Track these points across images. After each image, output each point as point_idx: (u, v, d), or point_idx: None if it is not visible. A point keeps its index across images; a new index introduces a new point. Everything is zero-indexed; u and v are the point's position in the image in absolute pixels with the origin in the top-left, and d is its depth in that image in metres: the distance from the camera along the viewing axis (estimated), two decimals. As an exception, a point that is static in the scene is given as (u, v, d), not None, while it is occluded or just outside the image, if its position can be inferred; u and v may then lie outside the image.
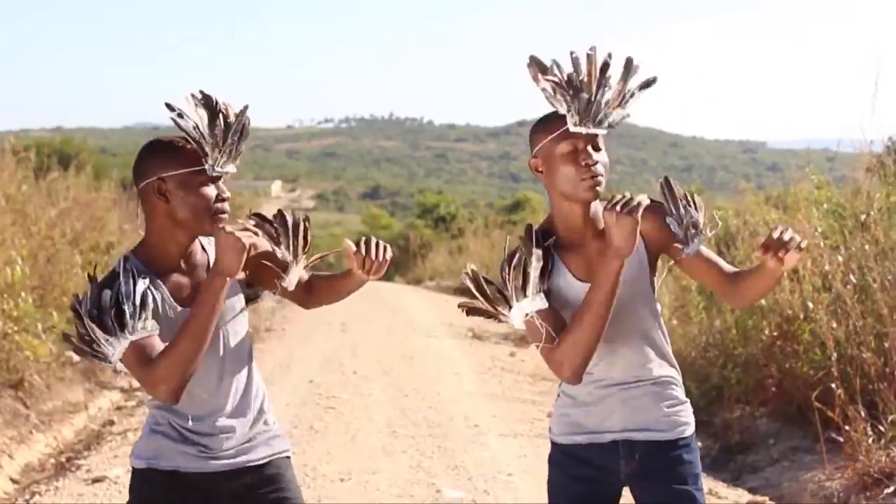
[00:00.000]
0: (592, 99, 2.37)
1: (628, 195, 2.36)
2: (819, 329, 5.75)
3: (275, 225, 2.49)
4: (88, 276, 2.41)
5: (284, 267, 2.49)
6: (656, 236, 2.48)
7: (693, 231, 2.43)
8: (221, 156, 2.41)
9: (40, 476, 5.81)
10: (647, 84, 2.42)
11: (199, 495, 2.51)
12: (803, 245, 2.34)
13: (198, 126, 2.38)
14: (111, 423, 6.98)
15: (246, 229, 2.38)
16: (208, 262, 2.50)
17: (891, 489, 4.71)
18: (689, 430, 2.55)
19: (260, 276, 2.54)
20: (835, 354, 5.41)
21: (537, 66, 2.40)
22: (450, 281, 21.36)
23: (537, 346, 2.47)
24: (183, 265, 2.48)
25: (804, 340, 6.10)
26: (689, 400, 2.59)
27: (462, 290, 2.57)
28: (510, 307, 2.48)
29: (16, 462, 5.89)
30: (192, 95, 2.38)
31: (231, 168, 2.44)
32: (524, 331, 2.51)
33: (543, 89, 2.39)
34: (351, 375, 8.57)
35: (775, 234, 2.34)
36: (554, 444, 2.62)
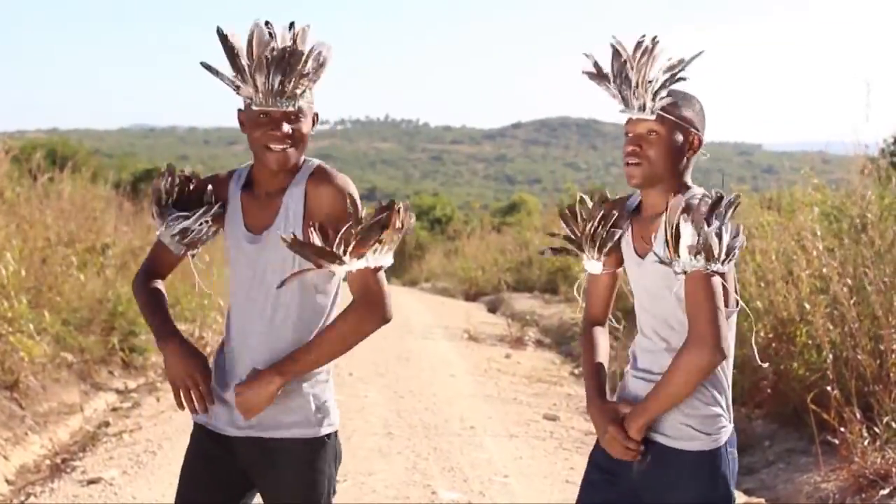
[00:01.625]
0: (635, 85, 2.43)
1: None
2: (815, 331, 5.75)
3: (378, 213, 2.42)
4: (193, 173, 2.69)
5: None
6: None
7: (703, 249, 2.35)
8: (256, 92, 2.42)
9: (35, 477, 5.79)
10: (684, 65, 2.46)
11: (224, 454, 2.58)
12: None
13: (228, 59, 2.42)
14: (106, 424, 6.96)
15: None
16: (279, 207, 2.51)
17: (886, 491, 4.72)
18: (704, 444, 2.46)
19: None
20: (830, 356, 5.42)
21: (591, 60, 2.48)
22: (445, 283, 21.37)
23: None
24: (264, 191, 2.55)
25: (800, 342, 6.11)
26: (720, 414, 2.50)
27: (565, 216, 2.69)
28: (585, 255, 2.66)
29: (11, 463, 5.87)
30: (255, 25, 2.40)
31: (282, 105, 2.42)
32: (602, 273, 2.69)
33: (596, 80, 2.49)
34: (346, 377, 8.56)
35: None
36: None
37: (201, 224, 2.60)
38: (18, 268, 7.30)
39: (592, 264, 2.65)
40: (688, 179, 2.52)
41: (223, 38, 2.41)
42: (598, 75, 2.46)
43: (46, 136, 35.77)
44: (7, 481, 5.65)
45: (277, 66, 2.38)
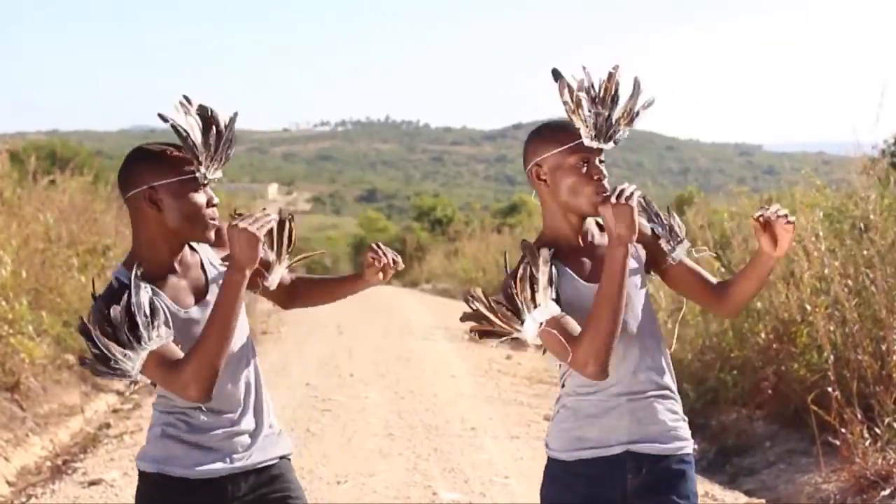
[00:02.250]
0: (608, 115, 2.42)
1: (620, 187, 2.41)
2: (816, 332, 5.75)
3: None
4: (92, 295, 2.39)
5: (267, 266, 2.58)
6: (646, 244, 2.55)
7: (677, 236, 2.55)
8: (213, 163, 2.42)
9: (36, 479, 5.80)
10: (648, 104, 2.48)
11: (210, 500, 2.50)
12: (792, 219, 2.44)
13: (189, 135, 2.38)
14: (107, 425, 6.97)
15: (256, 220, 2.38)
16: (201, 261, 2.52)
17: (887, 492, 4.72)
18: (690, 446, 2.56)
19: None
20: (831, 357, 5.42)
21: (564, 81, 2.43)
22: (446, 283, 21.38)
23: (560, 359, 2.40)
24: (177, 268, 2.48)
25: (801, 343, 6.11)
26: (686, 420, 2.59)
27: (469, 316, 2.47)
28: (522, 321, 2.41)
29: (12, 465, 5.87)
30: (181, 103, 2.39)
31: (219, 174, 2.45)
32: (541, 345, 2.44)
33: (566, 102, 2.42)
34: (347, 378, 8.57)
35: (773, 208, 2.44)
36: (554, 461, 2.59)
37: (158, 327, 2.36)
38: (17, 269, 7.30)
39: (541, 313, 2.39)
40: None
41: (202, 111, 2.41)
42: (570, 104, 2.42)
43: (47, 137, 35.79)
44: (8, 483, 5.65)
45: (228, 141, 2.44)
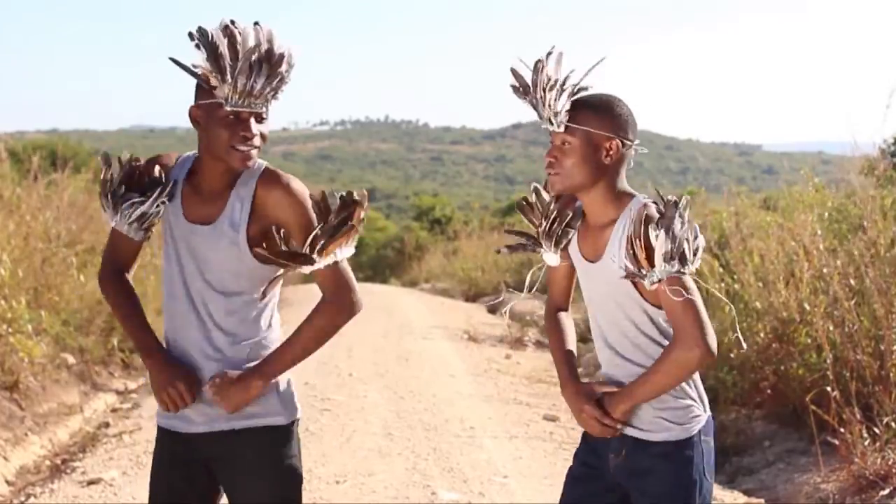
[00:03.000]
0: (540, 102, 2.50)
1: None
2: (815, 332, 5.75)
3: (326, 208, 2.46)
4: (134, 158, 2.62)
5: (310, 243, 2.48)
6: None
7: (673, 259, 2.40)
8: (234, 92, 2.41)
9: (35, 478, 5.79)
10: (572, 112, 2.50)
11: (188, 454, 2.59)
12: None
13: (219, 55, 2.40)
14: (106, 425, 6.97)
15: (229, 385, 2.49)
16: (228, 199, 2.53)
17: (886, 491, 4.72)
18: (677, 434, 2.52)
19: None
20: (830, 357, 5.42)
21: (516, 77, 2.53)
22: (445, 283, 21.36)
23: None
24: (209, 187, 2.55)
25: (800, 343, 6.11)
26: (691, 405, 2.54)
27: (522, 206, 2.74)
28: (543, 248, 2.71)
29: (11, 464, 5.87)
30: (228, 24, 2.41)
31: (255, 107, 2.44)
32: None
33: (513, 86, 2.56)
34: (346, 377, 8.56)
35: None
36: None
37: (158, 206, 2.59)
38: (15, 268, 7.29)
39: (550, 256, 2.73)
40: (623, 184, 2.55)
41: (204, 37, 2.40)
42: (520, 90, 2.53)
43: (46, 136, 35.78)
44: (7, 482, 5.65)
45: (260, 69, 2.40)
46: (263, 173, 2.54)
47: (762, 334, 6.53)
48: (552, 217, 2.65)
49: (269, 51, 2.41)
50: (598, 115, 2.50)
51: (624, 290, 2.50)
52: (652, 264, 2.39)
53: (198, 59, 2.43)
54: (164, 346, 2.62)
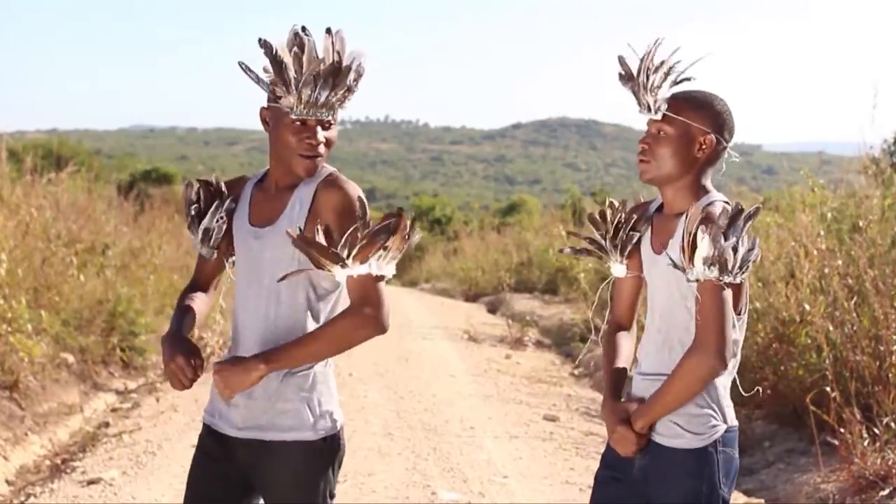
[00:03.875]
0: (642, 87, 2.52)
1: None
2: (815, 332, 5.75)
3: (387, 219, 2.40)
4: (215, 180, 2.69)
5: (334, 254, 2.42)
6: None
7: (719, 262, 2.38)
8: (299, 102, 2.45)
9: (35, 478, 5.79)
10: (671, 103, 2.53)
11: (226, 454, 2.59)
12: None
13: (274, 69, 2.43)
14: (106, 424, 6.97)
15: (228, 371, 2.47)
16: (290, 199, 2.54)
17: (886, 492, 4.72)
18: (698, 442, 2.50)
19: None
20: (830, 357, 5.42)
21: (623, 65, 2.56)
22: (445, 283, 21.38)
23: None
24: (275, 186, 2.58)
25: (800, 343, 6.11)
26: (709, 414, 2.53)
27: (594, 220, 2.72)
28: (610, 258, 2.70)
29: (11, 464, 5.87)
30: (298, 32, 2.43)
31: (321, 115, 2.47)
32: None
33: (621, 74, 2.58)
34: (346, 377, 8.56)
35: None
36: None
37: (218, 220, 2.62)
38: (14, 268, 7.29)
39: (617, 268, 2.70)
40: (707, 182, 2.56)
41: (269, 51, 2.43)
42: (624, 77, 2.56)
43: (46, 136, 35.76)
44: (7, 482, 5.65)
45: (325, 81, 2.43)
46: (327, 176, 2.55)
47: (762, 334, 6.53)
48: (618, 224, 2.65)
49: (337, 62, 2.43)
50: (698, 107, 2.52)
51: (679, 285, 2.51)
52: (692, 263, 2.40)
53: (267, 64, 2.46)
54: (229, 348, 2.65)
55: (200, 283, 2.73)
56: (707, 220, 2.39)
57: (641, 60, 2.52)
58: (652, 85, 2.50)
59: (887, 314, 5.39)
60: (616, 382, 2.66)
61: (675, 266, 2.44)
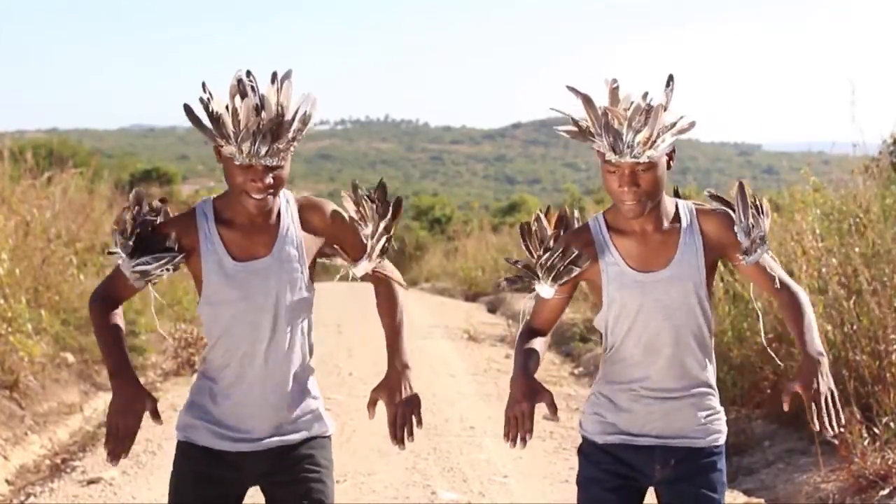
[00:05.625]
0: (623, 138, 2.43)
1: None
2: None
3: (373, 201, 2.61)
4: (161, 199, 2.67)
5: (362, 246, 2.66)
6: (720, 241, 2.58)
7: (758, 241, 2.55)
8: (239, 153, 2.43)
9: (35, 477, 5.80)
10: (681, 131, 2.48)
11: (229, 473, 2.61)
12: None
13: (212, 115, 2.42)
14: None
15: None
16: (278, 227, 2.59)
17: (886, 491, 4.72)
18: (722, 438, 2.64)
19: (331, 252, 2.70)
20: (829, 357, 5.41)
21: (584, 99, 2.48)
22: (445, 283, 21.36)
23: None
24: (247, 222, 2.57)
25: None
26: (721, 411, 2.66)
27: (524, 231, 2.67)
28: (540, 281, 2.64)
29: (11, 463, 5.87)
30: (239, 81, 2.42)
31: (266, 162, 2.44)
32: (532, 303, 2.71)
33: (580, 126, 2.50)
34: (347, 377, 8.57)
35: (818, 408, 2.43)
36: (586, 441, 2.71)
37: (162, 271, 2.59)
38: (14, 267, 7.29)
39: (545, 289, 2.64)
40: None
41: (205, 107, 2.42)
42: (581, 133, 2.50)
43: (46, 136, 35.74)
44: (7, 481, 5.65)
45: (265, 136, 2.41)
46: (302, 201, 2.66)
47: (762, 334, 6.52)
48: (556, 252, 2.59)
49: (279, 115, 2.42)
50: (684, 124, 2.50)
51: (697, 291, 2.56)
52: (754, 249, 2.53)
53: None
54: (216, 377, 2.63)
55: (117, 299, 2.68)
56: (733, 210, 2.54)
57: (605, 113, 2.44)
58: (645, 140, 2.42)
59: (886, 314, 5.39)
60: (528, 362, 2.60)
61: (746, 254, 2.53)
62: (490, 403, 7.75)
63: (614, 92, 2.46)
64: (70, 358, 7.67)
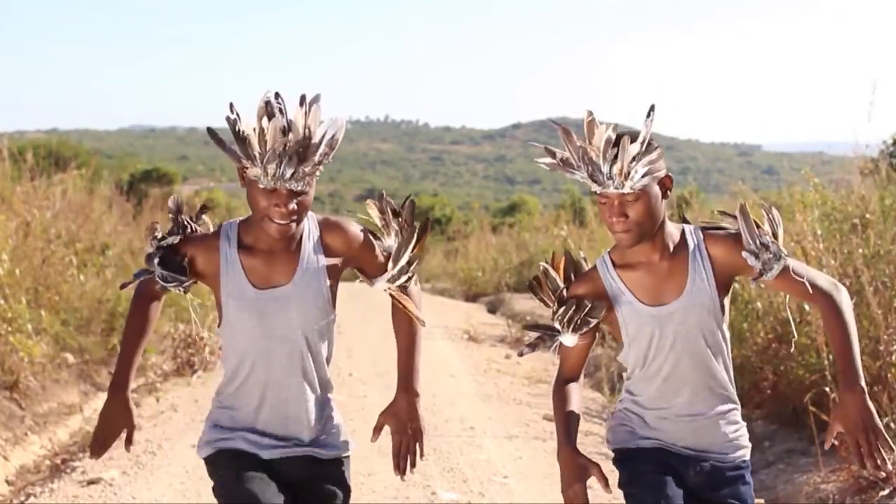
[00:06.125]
0: (602, 170, 2.46)
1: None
2: (814, 332, 5.75)
3: (398, 215, 2.67)
4: (204, 206, 2.71)
5: (376, 266, 2.72)
6: (732, 265, 2.58)
7: (770, 258, 2.52)
8: (265, 175, 2.41)
9: (35, 478, 5.80)
10: (651, 162, 2.46)
11: (270, 476, 2.63)
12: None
13: (239, 135, 2.41)
14: (106, 424, 6.96)
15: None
16: (299, 254, 2.59)
17: (886, 492, 4.72)
18: (748, 452, 2.70)
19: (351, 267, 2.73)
20: (830, 357, 5.42)
21: (563, 133, 2.51)
22: (445, 283, 21.36)
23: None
24: (268, 249, 2.57)
25: (799, 343, 6.10)
26: (744, 426, 2.71)
27: (535, 286, 2.77)
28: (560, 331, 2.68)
29: (11, 464, 5.87)
30: (267, 102, 2.40)
31: (291, 186, 2.43)
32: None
33: (561, 159, 2.54)
34: (346, 377, 8.56)
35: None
36: (620, 450, 2.70)
37: (180, 290, 2.63)
38: (14, 267, 7.29)
39: (568, 338, 2.67)
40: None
41: (232, 127, 2.41)
42: (561, 165, 2.53)
43: (46, 136, 35.76)
44: (7, 482, 5.66)
45: (291, 158, 2.40)
46: (323, 225, 2.65)
47: (762, 334, 6.53)
48: (571, 306, 2.63)
49: (302, 143, 2.40)
50: (652, 156, 2.47)
51: (713, 315, 2.57)
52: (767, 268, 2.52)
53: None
54: (233, 409, 2.67)
55: (151, 297, 2.70)
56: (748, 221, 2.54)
57: (582, 146, 2.46)
58: (621, 172, 2.43)
59: (886, 314, 5.39)
60: (570, 428, 2.65)
61: (762, 276, 2.50)
62: (490, 404, 7.75)
63: (590, 125, 2.46)
64: (70, 358, 7.67)
